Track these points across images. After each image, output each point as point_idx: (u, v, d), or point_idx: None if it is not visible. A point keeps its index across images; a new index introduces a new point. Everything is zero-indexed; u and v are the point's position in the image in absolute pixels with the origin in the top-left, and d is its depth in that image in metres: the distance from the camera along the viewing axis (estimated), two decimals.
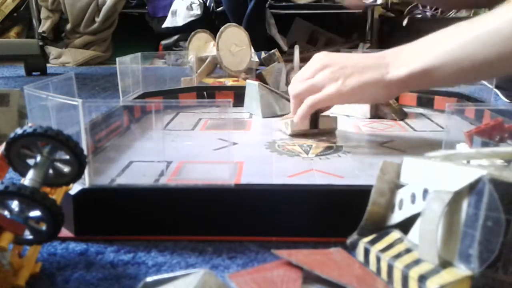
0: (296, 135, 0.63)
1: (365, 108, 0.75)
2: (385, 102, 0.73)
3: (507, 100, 0.97)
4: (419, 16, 1.95)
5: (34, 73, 1.56)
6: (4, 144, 0.32)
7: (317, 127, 0.63)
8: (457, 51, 0.47)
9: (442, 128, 0.68)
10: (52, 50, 2.02)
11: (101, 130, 0.58)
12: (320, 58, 0.58)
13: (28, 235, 0.31)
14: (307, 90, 0.56)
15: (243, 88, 0.81)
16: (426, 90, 0.86)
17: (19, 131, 0.31)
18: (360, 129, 0.68)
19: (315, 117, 0.62)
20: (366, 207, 0.33)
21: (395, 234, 0.31)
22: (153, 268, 0.34)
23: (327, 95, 0.55)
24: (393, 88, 0.52)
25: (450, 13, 1.78)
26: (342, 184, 0.45)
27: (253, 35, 1.09)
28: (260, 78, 0.90)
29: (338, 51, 0.67)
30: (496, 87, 0.91)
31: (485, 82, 0.76)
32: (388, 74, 0.52)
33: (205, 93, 0.92)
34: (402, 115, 0.75)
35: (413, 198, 0.30)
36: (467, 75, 0.48)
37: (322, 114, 0.64)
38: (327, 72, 0.56)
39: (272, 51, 1.16)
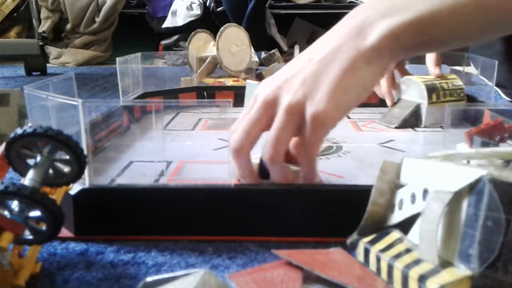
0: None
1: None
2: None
3: (508, 99, 0.97)
4: None
5: (34, 73, 1.56)
6: (4, 144, 0.32)
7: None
8: None
9: (442, 128, 0.68)
10: (52, 50, 2.02)
11: (101, 130, 0.58)
12: (264, 88, 0.39)
13: (28, 235, 0.31)
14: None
15: (243, 88, 0.81)
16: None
17: (19, 131, 0.31)
18: (360, 129, 0.68)
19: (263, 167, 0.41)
20: (366, 207, 0.33)
21: (395, 234, 0.31)
22: (153, 268, 0.34)
23: (311, 144, 0.37)
24: (379, 56, 0.37)
25: None
26: (342, 184, 0.45)
27: (253, 35, 1.09)
28: (260, 78, 0.90)
29: None
30: (497, 85, 0.91)
31: (486, 80, 0.76)
32: (362, 42, 0.36)
33: (205, 93, 0.92)
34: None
35: (413, 198, 0.30)
36: (494, 16, 0.36)
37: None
38: (286, 97, 0.37)
39: (272, 51, 1.16)
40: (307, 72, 0.37)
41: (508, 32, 0.40)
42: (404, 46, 0.37)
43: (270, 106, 0.38)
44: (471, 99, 0.77)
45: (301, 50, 0.89)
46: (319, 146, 0.38)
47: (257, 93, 0.39)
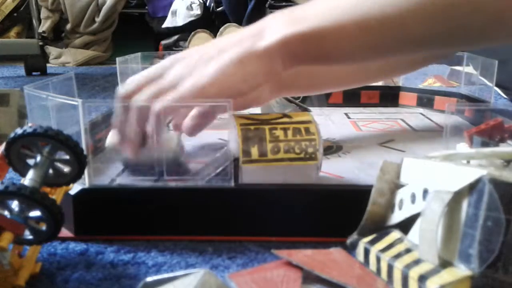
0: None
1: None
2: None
3: (509, 99, 0.97)
4: None
5: (34, 73, 1.56)
6: (4, 144, 0.32)
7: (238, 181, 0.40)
8: (355, 8, 0.38)
9: (442, 128, 0.68)
10: (52, 50, 2.02)
11: (101, 130, 0.58)
12: (171, 56, 0.43)
13: (28, 235, 0.31)
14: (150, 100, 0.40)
15: None
16: (426, 90, 0.86)
17: (19, 131, 0.31)
18: (360, 129, 0.68)
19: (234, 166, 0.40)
20: (366, 207, 0.33)
21: (395, 234, 0.31)
22: (153, 268, 0.34)
23: (177, 98, 0.39)
24: (269, 58, 0.39)
25: None
26: (342, 184, 0.45)
27: None
28: None
29: None
30: (497, 85, 0.91)
31: (485, 81, 0.76)
32: (259, 42, 0.39)
33: None
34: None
35: (413, 198, 0.30)
36: (375, 38, 0.38)
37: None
38: (178, 68, 0.41)
39: None
40: (204, 55, 0.41)
41: (394, 55, 0.44)
42: (295, 55, 0.40)
43: (159, 75, 0.42)
44: (471, 99, 0.77)
45: None
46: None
47: (163, 61, 0.43)
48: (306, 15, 0.40)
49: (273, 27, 0.40)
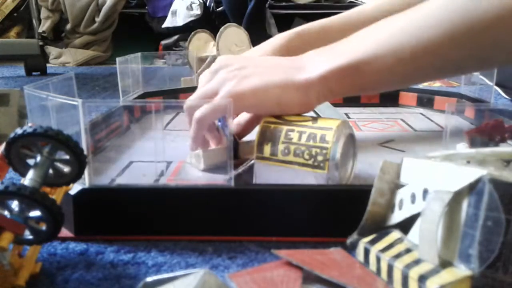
0: (212, 169, 0.49)
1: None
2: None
3: (509, 98, 0.97)
4: None
5: (34, 73, 1.56)
6: (4, 144, 0.32)
7: (237, 156, 0.48)
8: (392, 39, 0.40)
9: (442, 128, 0.68)
10: (52, 50, 2.02)
11: (101, 130, 0.58)
12: (220, 59, 0.47)
13: (28, 235, 0.31)
14: (201, 101, 0.44)
15: None
16: (426, 90, 0.86)
17: (19, 131, 0.31)
18: (360, 129, 0.68)
19: (234, 145, 0.47)
20: (366, 207, 0.33)
21: (395, 234, 0.31)
22: (153, 268, 0.34)
23: (216, 104, 0.42)
24: (307, 90, 0.42)
25: None
26: (342, 184, 0.45)
27: (253, 35, 1.09)
28: None
29: None
30: (497, 85, 0.91)
31: (486, 80, 0.76)
32: (299, 74, 0.42)
33: None
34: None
35: (413, 198, 0.30)
36: (406, 67, 0.40)
37: (244, 140, 0.50)
38: (222, 73, 0.45)
39: None
40: (255, 69, 0.44)
41: (426, 81, 0.50)
42: (331, 88, 0.42)
43: (213, 75, 0.46)
44: (471, 99, 0.77)
45: None
46: (204, 121, 0.43)
47: (215, 62, 0.47)
48: (345, 49, 0.42)
49: (316, 63, 0.43)
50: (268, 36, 1.96)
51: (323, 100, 0.44)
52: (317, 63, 0.42)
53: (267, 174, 0.40)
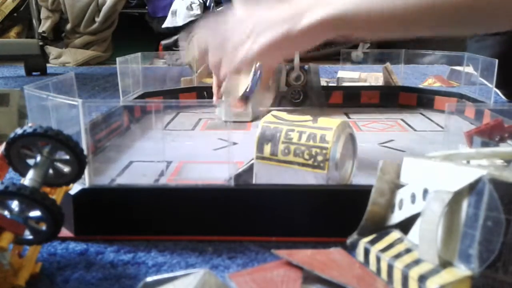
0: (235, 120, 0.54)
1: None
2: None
3: (507, 100, 0.97)
4: None
5: (34, 73, 1.56)
6: (4, 144, 0.32)
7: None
8: None
9: (442, 128, 0.68)
10: (52, 50, 2.02)
11: (101, 130, 0.58)
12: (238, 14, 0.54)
13: (28, 235, 0.31)
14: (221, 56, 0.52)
15: None
16: (426, 90, 0.86)
17: (19, 131, 0.31)
18: (360, 129, 0.68)
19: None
20: (366, 207, 0.33)
21: (395, 234, 0.31)
22: (153, 268, 0.34)
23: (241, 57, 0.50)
24: (307, 35, 0.46)
25: None
26: (342, 184, 0.45)
27: None
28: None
29: (338, 51, 0.65)
30: (497, 86, 0.91)
31: (485, 81, 0.76)
32: (301, 21, 0.46)
33: (205, 93, 0.92)
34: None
35: (413, 198, 0.30)
36: (401, 12, 0.42)
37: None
38: (240, 29, 0.51)
39: None
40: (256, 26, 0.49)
41: (421, 31, 0.47)
42: (330, 31, 0.46)
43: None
44: (471, 99, 0.77)
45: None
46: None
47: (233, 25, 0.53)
48: None
49: (313, 10, 0.45)
50: None
51: (315, 41, 0.48)
52: (318, 8, 0.45)
53: (267, 174, 0.40)
